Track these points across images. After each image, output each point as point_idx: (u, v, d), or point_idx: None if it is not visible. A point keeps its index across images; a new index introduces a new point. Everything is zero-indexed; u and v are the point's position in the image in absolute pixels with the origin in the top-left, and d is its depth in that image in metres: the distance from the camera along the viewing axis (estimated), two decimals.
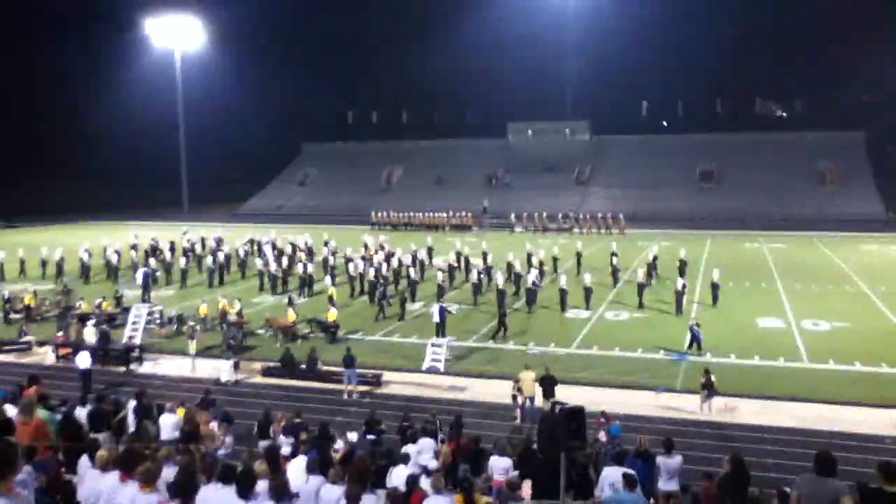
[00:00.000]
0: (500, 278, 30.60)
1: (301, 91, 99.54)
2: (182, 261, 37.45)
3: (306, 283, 33.73)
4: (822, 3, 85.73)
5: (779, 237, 52.16)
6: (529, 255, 38.09)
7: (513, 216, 60.01)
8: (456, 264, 36.74)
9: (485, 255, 37.87)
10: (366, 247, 42.67)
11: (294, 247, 44.02)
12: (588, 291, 30.02)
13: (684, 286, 29.43)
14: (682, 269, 35.34)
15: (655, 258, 36.88)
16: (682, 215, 62.82)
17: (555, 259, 37.34)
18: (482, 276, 32.85)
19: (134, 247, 43.58)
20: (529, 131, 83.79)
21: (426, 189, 75.27)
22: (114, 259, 38.51)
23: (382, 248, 41.72)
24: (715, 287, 30.28)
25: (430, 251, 42.41)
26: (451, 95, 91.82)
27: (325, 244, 43.08)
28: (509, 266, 35.01)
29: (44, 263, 38.69)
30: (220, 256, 38.02)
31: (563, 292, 29.94)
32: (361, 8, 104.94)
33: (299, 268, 34.64)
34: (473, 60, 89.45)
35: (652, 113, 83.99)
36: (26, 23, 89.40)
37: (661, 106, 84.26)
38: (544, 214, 59.57)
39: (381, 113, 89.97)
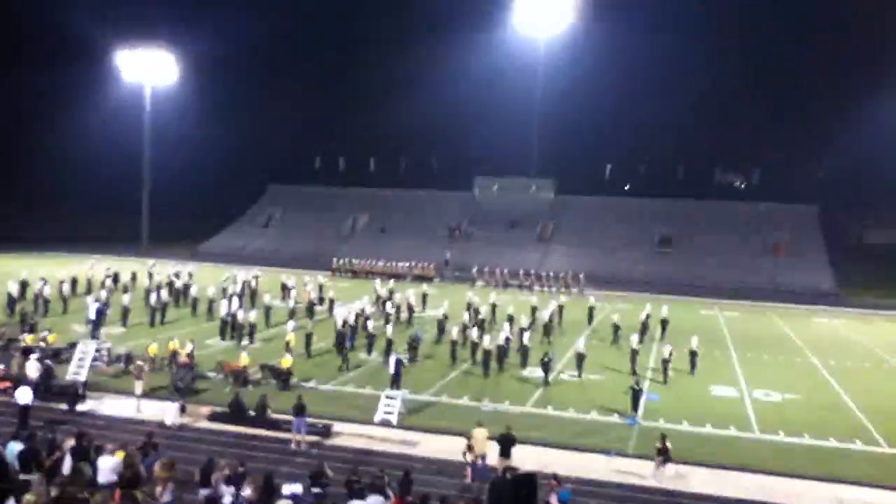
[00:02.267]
0: (478, 335, 29.78)
1: (269, 132, 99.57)
2: (126, 297, 35.95)
3: (238, 328, 32.26)
4: (784, 78, 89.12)
5: (733, 306, 52.98)
6: (534, 310, 38.67)
7: (475, 270, 60.13)
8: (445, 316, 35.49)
9: (493, 308, 38.88)
10: (376, 293, 42.84)
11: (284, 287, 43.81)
12: (581, 358, 28.90)
13: (671, 353, 28.96)
14: (665, 328, 36.89)
15: (648, 316, 37.47)
16: (639, 279, 63.57)
17: (510, 316, 36.75)
18: (468, 329, 32.10)
19: (72, 281, 42.30)
20: (495, 186, 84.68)
21: (390, 238, 75.28)
22: (45, 291, 37.32)
23: (391, 294, 41.80)
24: (693, 355, 30.06)
25: (424, 298, 42.89)
26: (420, 147, 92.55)
27: (283, 287, 43.05)
28: (510, 318, 34.99)
29: None
30: (164, 294, 37.23)
31: (524, 349, 29.92)
32: (334, 54, 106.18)
33: (239, 314, 32.89)
34: (443, 114, 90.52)
35: (615, 176, 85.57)
36: None
37: (625, 169, 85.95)
38: (506, 270, 59.78)
39: (348, 159, 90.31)
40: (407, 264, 61.11)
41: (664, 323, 37.58)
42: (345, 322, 31.52)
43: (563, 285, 55.23)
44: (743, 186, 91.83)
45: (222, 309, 33.86)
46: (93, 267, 46.78)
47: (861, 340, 40.82)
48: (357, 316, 33.75)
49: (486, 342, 28.81)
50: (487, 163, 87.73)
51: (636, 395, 23.55)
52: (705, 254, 68.54)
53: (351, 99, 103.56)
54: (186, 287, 42.00)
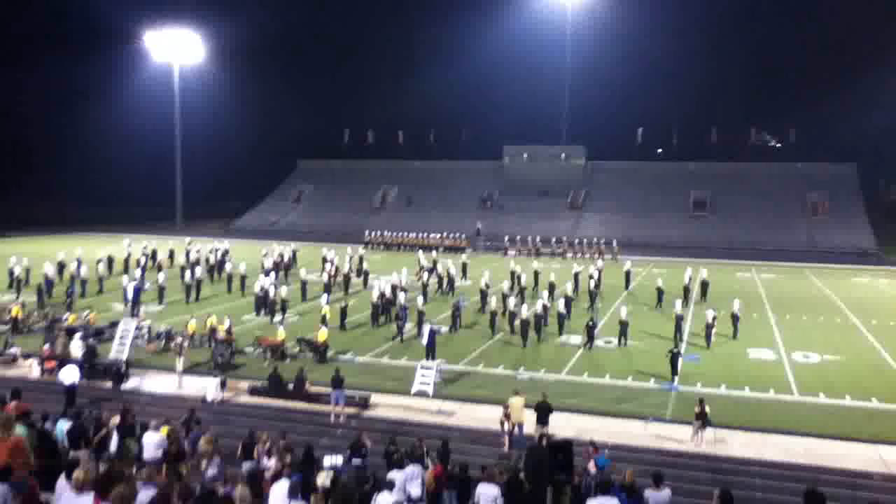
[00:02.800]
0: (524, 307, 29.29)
1: (298, 108, 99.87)
2: (161, 276, 36.35)
3: (269, 305, 32.09)
4: (820, 36, 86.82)
5: (770, 267, 52.27)
6: (576, 275, 39.21)
7: (506, 239, 60.02)
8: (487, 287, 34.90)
9: (535, 276, 39.43)
10: (419, 265, 43.26)
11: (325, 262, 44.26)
12: (624, 325, 28.36)
13: (714, 318, 28.46)
14: (705, 290, 37.29)
15: (690, 279, 37.72)
16: (674, 243, 62.96)
17: (551, 284, 36.74)
18: (507, 298, 31.67)
19: (109, 260, 43.07)
20: (525, 154, 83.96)
21: (420, 209, 75.32)
22: (82, 272, 37.81)
23: (434, 265, 42.46)
24: (735, 319, 29.68)
25: (464, 268, 43.74)
26: (448, 117, 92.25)
27: (324, 260, 43.33)
28: (551, 286, 35.28)
29: (11, 273, 37.77)
30: (198, 271, 37.65)
31: (560, 316, 29.93)
32: (360, 27, 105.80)
33: (270, 290, 32.75)
34: (470, 83, 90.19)
35: (647, 140, 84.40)
36: (24, 35, 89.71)
37: (656, 133, 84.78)
38: (538, 238, 59.59)
39: (376, 132, 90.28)
40: (438, 235, 61.18)
41: (704, 285, 37.75)
42: (382, 294, 31.64)
43: (596, 252, 54.90)
44: (779, 146, 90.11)
45: (256, 285, 34.17)
46: (129, 245, 47.55)
47: None
48: (394, 288, 33.89)
49: (524, 311, 28.61)
50: (516, 131, 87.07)
51: (675, 358, 23.44)
52: (741, 216, 67.59)
53: (378, 72, 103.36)
54: (220, 263, 42.62)
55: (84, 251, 45.07)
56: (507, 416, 18.22)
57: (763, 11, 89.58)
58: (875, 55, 78.58)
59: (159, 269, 40.56)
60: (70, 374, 19.90)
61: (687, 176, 75.34)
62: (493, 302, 30.98)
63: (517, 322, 28.86)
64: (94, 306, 31.48)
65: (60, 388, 19.90)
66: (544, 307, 30.15)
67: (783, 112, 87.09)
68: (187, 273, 36.97)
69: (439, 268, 41.33)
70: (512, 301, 30.81)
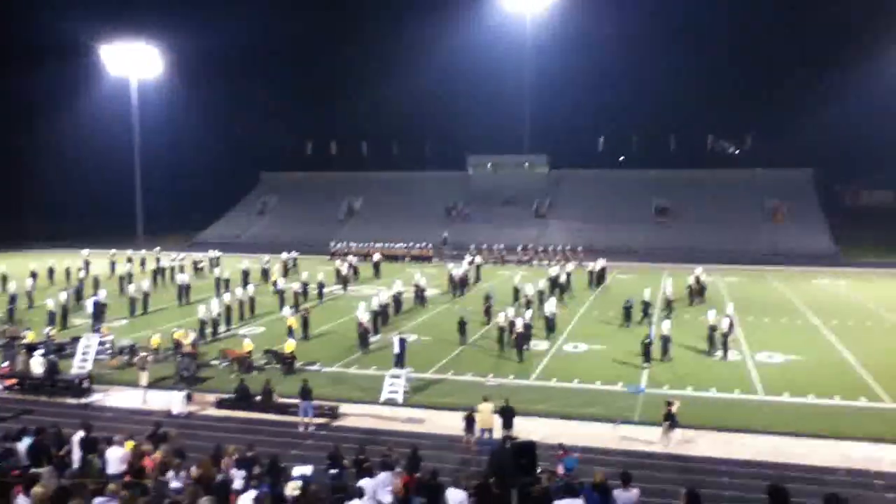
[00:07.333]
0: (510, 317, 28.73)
1: (259, 120, 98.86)
2: (102, 292, 34.77)
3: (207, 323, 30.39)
4: (773, 43, 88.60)
5: (732, 271, 53.07)
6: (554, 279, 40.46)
7: (472, 247, 60.12)
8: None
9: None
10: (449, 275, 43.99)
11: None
12: (666, 340, 27.01)
13: (731, 325, 28.20)
14: (702, 292, 39.71)
15: (697, 279, 40.75)
16: (638, 250, 63.59)
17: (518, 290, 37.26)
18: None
19: (49, 271, 44.07)
20: (489, 164, 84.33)
21: (385, 220, 75.10)
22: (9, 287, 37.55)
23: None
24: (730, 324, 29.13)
25: (477, 271, 47.23)
26: (411, 128, 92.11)
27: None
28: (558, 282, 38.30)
29: None
30: (145, 284, 37.28)
31: (548, 320, 30.49)
32: (321, 38, 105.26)
33: (201, 308, 31.10)
34: (433, 93, 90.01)
35: (608, 148, 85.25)
36: None
37: (617, 141, 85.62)
38: (502, 246, 59.82)
39: (339, 144, 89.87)
40: (404, 245, 61.11)
41: (702, 287, 40.37)
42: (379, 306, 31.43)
43: (561, 258, 55.24)
44: (736, 153, 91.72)
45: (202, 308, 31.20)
46: (88, 256, 47.22)
47: (862, 300, 40.93)
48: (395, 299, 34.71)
49: (519, 324, 27.35)
50: (480, 141, 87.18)
51: (647, 347, 24.96)
52: (703, 222, 68.53)
53: (339, 83, 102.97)
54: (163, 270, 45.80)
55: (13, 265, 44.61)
56: (467, 419, 18.16)
57: (717, 20, 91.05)
58: (828, 60, 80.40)
59: (96, 285, 39.51)
60: None
61: (648, 183, 76.31)
62: (502, 317, 29.00)
63: (513, 335, 27.54)
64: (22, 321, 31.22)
65: (21, 405, 19.40)
66: (545, 316, 30.69)
67: (739, 119, 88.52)
68: (131, 286, 36.58)
69: (455, 274, 42.40)
70: (511, 311, 29.56)
